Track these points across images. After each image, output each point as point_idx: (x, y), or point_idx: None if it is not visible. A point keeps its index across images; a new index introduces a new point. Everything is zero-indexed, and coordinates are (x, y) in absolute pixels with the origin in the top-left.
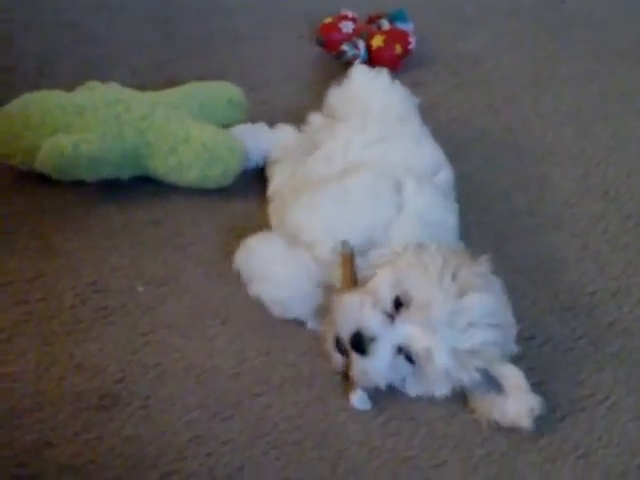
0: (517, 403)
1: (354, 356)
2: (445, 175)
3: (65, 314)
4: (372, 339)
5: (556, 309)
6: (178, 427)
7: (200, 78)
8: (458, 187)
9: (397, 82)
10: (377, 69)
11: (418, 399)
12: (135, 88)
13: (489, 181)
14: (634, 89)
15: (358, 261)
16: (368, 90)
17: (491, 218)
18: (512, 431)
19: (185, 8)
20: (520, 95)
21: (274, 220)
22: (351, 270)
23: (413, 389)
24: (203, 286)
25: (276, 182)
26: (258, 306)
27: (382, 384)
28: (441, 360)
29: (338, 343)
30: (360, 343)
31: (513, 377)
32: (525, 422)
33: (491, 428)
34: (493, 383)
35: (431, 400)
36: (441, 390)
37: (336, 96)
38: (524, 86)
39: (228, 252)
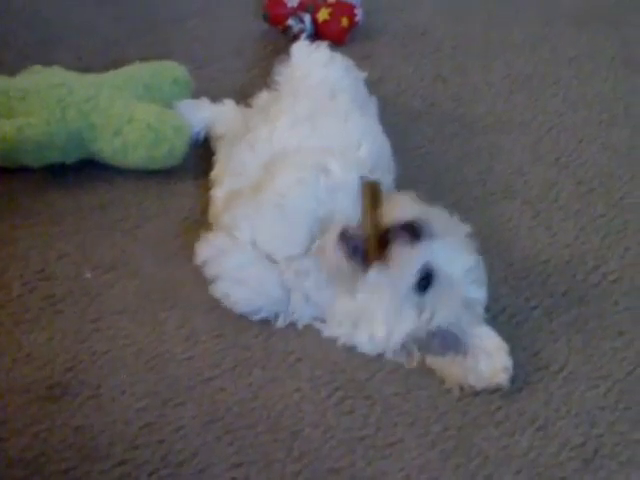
0: (492, 363)
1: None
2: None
3: (12, 304)
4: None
5: (510, 279)
6: (129, 415)
7: (146, 58)
8: (408, 160)
9: (338, 56)
10: (317, 44)
11: (371, 377)
12: (81, 71)
13: (439, 152)
14: (584, 53)
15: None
16: (308, 66)
17: (442, 189)
18: (468, 405)
19: None
20: (469, 64)
21: (218, 206)
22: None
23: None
24: (151, 269)
25: (219, 166)
26: (208, 288)
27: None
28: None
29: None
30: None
31: (489, 338)
32: (502, 379)
33: (464, 395)
34: (455, 343)
35: (385, 379)
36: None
37: (280, 74)
38: (474, 54)
39: (176, 234)
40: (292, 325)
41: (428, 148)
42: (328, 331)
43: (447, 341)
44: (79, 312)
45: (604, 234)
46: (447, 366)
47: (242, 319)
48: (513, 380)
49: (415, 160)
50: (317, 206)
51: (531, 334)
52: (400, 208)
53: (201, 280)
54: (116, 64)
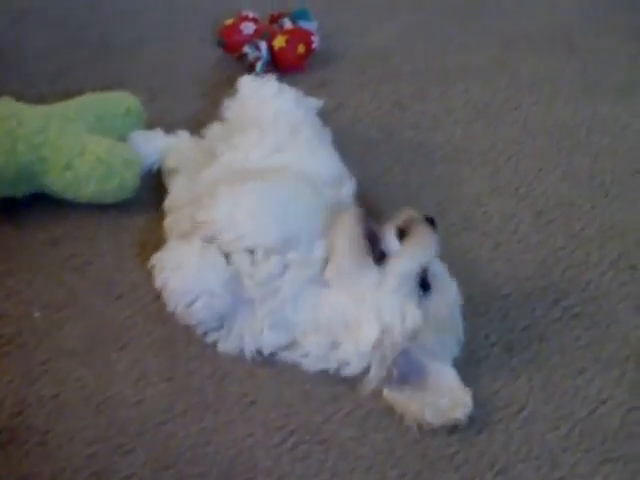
0: (451, 398)
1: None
2: (349, 187)
3: None
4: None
5: (469, 314)
6: (78, 463)
7: (100, 86)
8: (366, 190)
9: (286, 88)
10: (264, 77)
11: (326, 420)
12: (33, 99)
13: (397, 183)
14: (543, 78)
15: (272, 260)
16: (257, 101)
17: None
18: (426, 448)
19: (84, 13)
20: (428, 90)
21: (172, 234)
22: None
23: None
24: (102, 308)
25: (172, 195)
26: (160, 327)
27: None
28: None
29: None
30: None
31: (449, 374)
32: (460, 413)
33: (421, 432)
34: (416, 373)
35: (341, 421)
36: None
37: (229, 109)
38: (433, 80)
39: (128, 270)
40: (243, 364)
41: (386, 178)
42: (296, 353)
43: (410, 368)
44: (28, 353)
45: (565, 267)
46: (405, 401)
47: (193, 360)
48: (472, 421)
49: (373, 190)
50: (300, 216)
51: (491, 372)
52: (414, 211)
53: (152, 319)
54: (69, 92)
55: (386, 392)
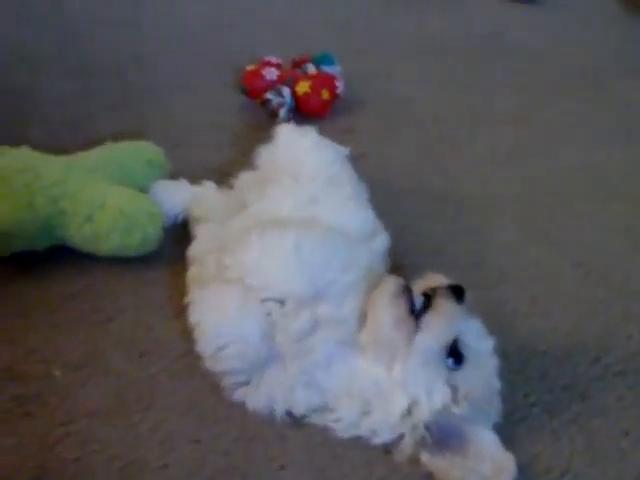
0: (494, 464)
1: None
2: (382, 241)
3: None
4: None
5: (506, 372)
6: None
7: (120, 133)
8: (394, 241)
9: (326, 140)
10: (304, 127)
11: None
12: (53, 148)
13: (426, 232)
14: (575, 123)
15: (303, 314)
16: (295, 151)
17: (432, 272)
18: None
19: (103, 60)
20: (456, 136)
21: (194, 285)
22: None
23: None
24: (125, 366)
25: (198, 244)
26: (186, 386)
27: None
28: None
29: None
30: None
31: (489, 441)
32: (510, 476)
33: None
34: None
35: None
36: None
37: (264, 157)
38: (460, 126)
39: (150, 326)
40: (272, 426)
41: (415, 227)
42: (329, 417)
43: (448, 433)
44: (48, 415)
45: (605, 321)
46: (446, 467)
47: (221, 422)
48: None
49: (402, 241)
50: (330, 269)
51: (530, 433)
52: (440, 277)
53: (178, 378)
54: (88, 141)
55: (425, 457)
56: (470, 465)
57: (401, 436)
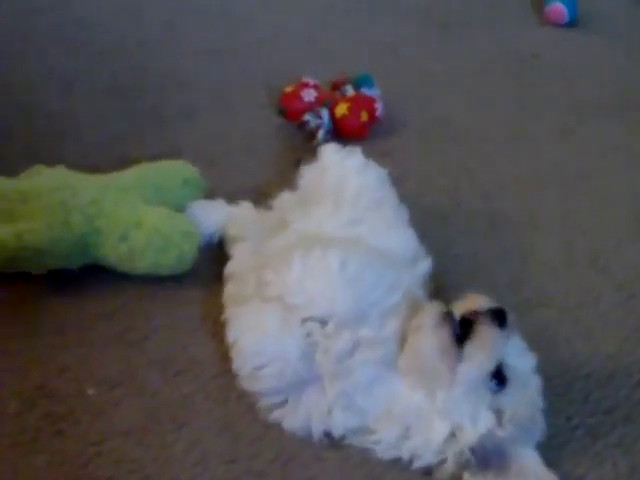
0: None
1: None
2: (425, 267)
3: (9, 423)
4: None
5: (549, 395)
6: None
7: (155, 153)
8: (434, 264)
9: (371, 162)
10: (349, 148)
11: None
12: (86, 168)
13: (467, 255)
14: (615, 145)
15: (344, 335)
16: (340, 172)
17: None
18: None
19: (138, 80)
20: (496, 157)
21: (231, 303)
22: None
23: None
24: (159, 386)
25: (236, 261)
26: (221, 406)
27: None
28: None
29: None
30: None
31: (532, 460)
32: None
33: None
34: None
35: None
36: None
37: (307, 177)
38: (499, 147)
39: (185, 346)
40: (309, 447)
41: (455, 249)
42: (368, 438)
43: (493, 455)
44: (81, 433)
45: None
46: None
47: (257, 442)
48: None
49: (442, 264)
50: (374, 291)
51: (574, 457)
52: (481, 299)
53: (212, 398)
54: (123, 160)
55: (467, 477)
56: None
57: (443, 460)
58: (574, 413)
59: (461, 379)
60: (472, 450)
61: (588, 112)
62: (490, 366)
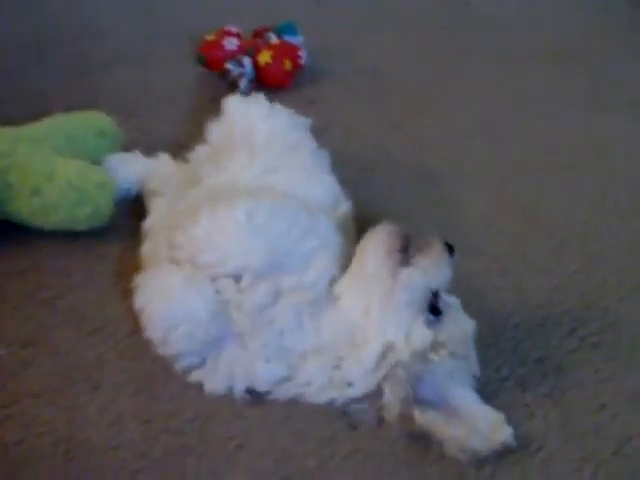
0: (489, 423)
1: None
2: (344, 210)
3: None
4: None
5: (477, 346)
6: None
7: (72, 106)
8: (361, 215)
9: (279, 106)
10: (253, 96)
11: (322, 465)
12: (1, 122)
13: (396, 205)
14: (547, 94)
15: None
16: (247, 121)
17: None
18: None
19: (54, 31)
20: (424, 107)
21: (149, 262)
22: None
23: None
24: (73, 345)
25: (152, 218)
26: (136, 365)
27: None
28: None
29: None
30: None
31: (475, 400)
32: (504, 435)
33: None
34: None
35: (339, 467)
36: None
37: (215, 132)
38: (428, 97)
39: (102, 304)
40: (229, 405)
41: (383, 201)
42: (298, 383)
43: (431, 394)
44: None
45: (581, 292)
46: (443, 425)
47: (174, 401)
48: (484, 464)
49: (369, 215)
50: (293, 239)
51: (503, 408)
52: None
53: (128, 356)
54: (40, 115)
55: (419, 416)
56: (469, 423)
57: (379, 390)
58: (503, 363)
59: (404, 284)
60: (411, 385)
61: (517, 60)
62: (434, 281)
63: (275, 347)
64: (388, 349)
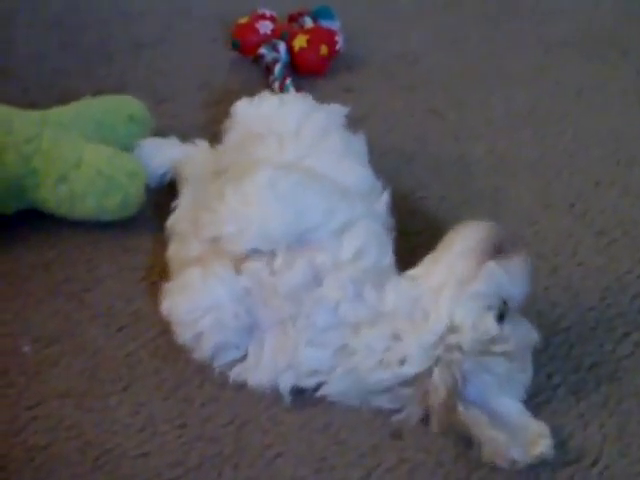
0: (529, 433)
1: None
2: (382, 201)
3: None
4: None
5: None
6: None
7: (100, 90)
8: (400, 208)
9: (290, 96)
10: (258, 96)
11: (367, 474)
12: (26, 105)
13: (435, 199)
14: (592, 85)
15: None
16: (263, 120)
17: (439, 242)
18: None
19: (81, 14)
20: (466, 97)
21: (175, 265)
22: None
23: None
24: (101, 342)
25: (176, 214)
26: (169, 365)
27: None
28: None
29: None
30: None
31: (519, 410)
32: (543, 447)
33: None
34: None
35: (383, 477)
36: None
37: (229, 139)
38: (469, 87)
39: (130, 298)
40: (266, 410)
41: (422, 194)
42: (349, 360)
43: (478, 395)
44: (14, 396)
45: (633, 294)
46: (485, 427)
47: (208, 404)
48: (537, 477)
49: (408, 208)
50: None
51: (556, 418)
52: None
53: (160, 355)
54: (65, 98)
55: (462, 410)
56: (510, 431)
57: (429, 373)
58: (555, 370)
59: (486, 274)
60: (462, 375)
61: (561, 50)
62: (514, 285)
63: (321, 327)
64: (451, 330)
